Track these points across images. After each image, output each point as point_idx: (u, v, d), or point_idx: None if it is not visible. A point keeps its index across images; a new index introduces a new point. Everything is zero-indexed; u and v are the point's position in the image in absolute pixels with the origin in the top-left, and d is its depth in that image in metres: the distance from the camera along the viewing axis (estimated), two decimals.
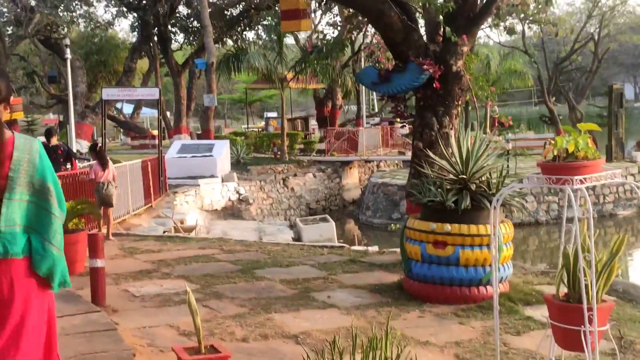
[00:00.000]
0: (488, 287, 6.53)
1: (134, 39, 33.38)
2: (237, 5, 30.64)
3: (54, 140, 12.55)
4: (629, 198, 21.54)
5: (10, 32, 26.54)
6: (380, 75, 8.06)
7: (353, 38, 15.34)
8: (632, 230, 20.27)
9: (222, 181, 19.82)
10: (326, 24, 50.47)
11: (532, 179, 3.99)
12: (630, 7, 47.11)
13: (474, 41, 9.16)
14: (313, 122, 37.24)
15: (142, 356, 5.00)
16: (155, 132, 26.45)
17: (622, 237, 3.92)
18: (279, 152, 26.88)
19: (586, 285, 3.78)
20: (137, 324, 5.87)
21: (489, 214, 6.57)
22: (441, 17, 8.12)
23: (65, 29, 27.54)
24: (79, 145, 22.26)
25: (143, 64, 36.84)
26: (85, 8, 29.40)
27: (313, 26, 19.56)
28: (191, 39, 32.58)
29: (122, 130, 43.06)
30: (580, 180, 3.77)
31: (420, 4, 7.99)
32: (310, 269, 8.22)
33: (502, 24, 9.86)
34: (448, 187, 6.77)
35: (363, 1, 8.16)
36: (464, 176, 6.76)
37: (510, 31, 10.71)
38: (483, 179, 6.86)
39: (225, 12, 30.68)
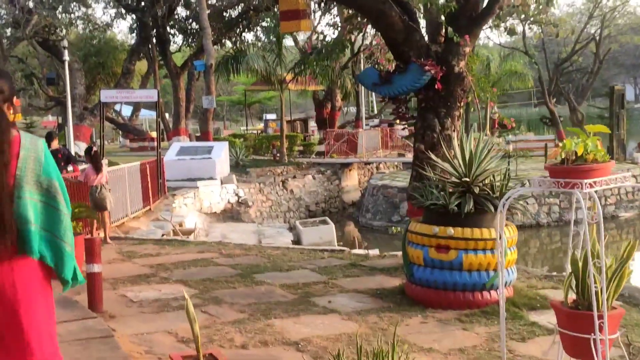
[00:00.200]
0: (492, 292, 6.42)
1: (133, 41, 33.27)
2: (236, 7, 30.55)
3: (55, 144, 12.45)
4: (631, 200, 21.43)
5: (8, 33, 26.44)
6: (381, 76, 7.95)
7: (352, 39, 15.26)
8: (633, 232, 20.17)
9: (221, 183, 19.71)
10: (326, 24, 50.40)
11: (542, 182, 3.86)
12: (631, 8, 47.02)
13: (475, 41, 9.06)
14: (312, 124, 37.14)
15: None
16: (154, 134, 26.35)
17: (632, 242, 3.81)
18: (278, 154, 26.78)
19: (595, 292, 3.67)
20: (135, 330, 5.76)
21: (492, 218, 6.49)
22: (443, 17, 8.01)
23: (64, 31, 27.43)
24: (77, 147, 22.14)
25: (142, 65, 36.75)
26: (83, 10, 29.34)
27: (312, 27, 19.41)
28: (190, 40, 32.47)
29: (120, 132, 42.98)
30: (590, 184, 3.66)
31: (422, 4, 7.88)
32: (310, 273, 8.11)
33: (502, 24, 9.76)
34: (451, 190, 6.66)
35: (364, 1, 8.05)
36: (467, 179, 6.65)
37: (511, 32, 10.61)
38: (486, 181, 6.75)
39: (224, 14, 30.59)
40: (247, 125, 43.88)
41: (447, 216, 6.45)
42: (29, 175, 2.80)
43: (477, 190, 6.57)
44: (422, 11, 8.39)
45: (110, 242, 10.47)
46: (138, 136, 36.52)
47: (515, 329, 5.79)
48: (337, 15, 23.96)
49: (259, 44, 31.14)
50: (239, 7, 30.47)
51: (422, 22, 8.55)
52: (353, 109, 39.11)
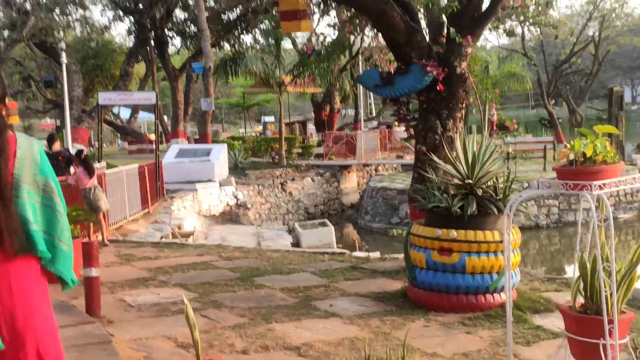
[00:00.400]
0: (495, 295, 6.35)
1: (131, 43, 33.19)
2: (235, 9, 30.46)
3: (57, 146, 12.33)
4: (630, 201, 21.37)
5: (5, 35, 26.34)
6: (382, 77, 7.87)
7: (351, 41, 15.18)
8: (632, 233, 20.11)
9: (220, 186, 19.63)
10: (326, 25, 50.37)
11: (550, 184, 3.78)
12: (630, 9, 47.06)
13: (477, 42, 9.00)
14: (311, 126, 37.06)
15: None
16: (153, 137, 26.25)
17: None
18: (276, 157, 26.71)
19: (605, 296, 3.59)
20: (133, 335, 5.67)
21: (495, 220, 6.41)
22: (445, 17, 7.94)
23: (61, 33, 27.33)
24: (75, 150, 22.03)
25: (140, 68, 36.61)
26: (81, 12, 29.24)
27: (312, 28, 19.34)
28: (188, 43, 32.38)
29: (119, 134, 42.85)
30: (600, 186, 3.58)
31: (424, 4, 7.80)
32: (311, 276, 8.02)
33: (502, 26, 9.70)
34: (453, 192, 6.58)
35: (365, 1, 7.97)
36: (470, 181, 6.56)
37: (510, 34, 10.56)
38: (489, 184, 6.66)
39: (223, 16, 30.50)
40: (245, 128, 43.79)
41: (449, 218, 6.36)
42: (26, 174, 2.79)
43: (480, 192, 6.48)
44: (423, 11, 8.32)
45: (108, 245, 10.39)
46: (136, 139, 36.41)
47: (520, 332, 5.70)
48: (336, 17, 23.93)
49: (258, 46, 31.10)
50: (238, 10, 30.39)
51: (424, 23, 8.47)
52: (352, 111, 39.06)
